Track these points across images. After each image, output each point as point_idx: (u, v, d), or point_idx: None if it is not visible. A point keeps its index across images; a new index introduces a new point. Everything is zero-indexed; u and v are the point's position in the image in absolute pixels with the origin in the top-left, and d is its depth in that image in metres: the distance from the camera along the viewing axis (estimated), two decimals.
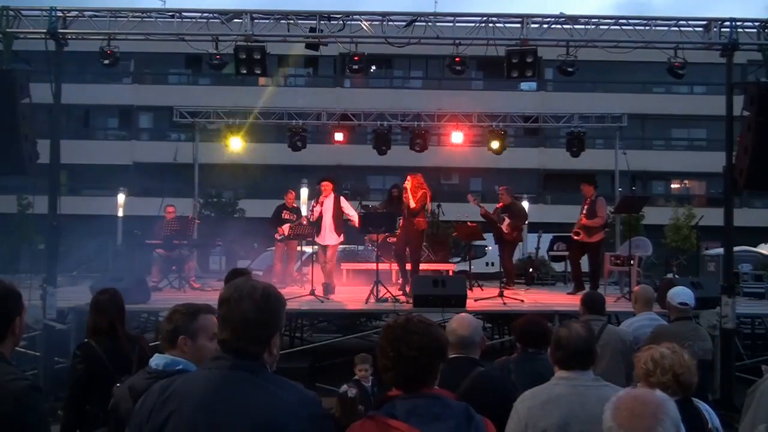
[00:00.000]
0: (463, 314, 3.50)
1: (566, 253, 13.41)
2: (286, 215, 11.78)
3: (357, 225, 10.13)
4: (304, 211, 12.38)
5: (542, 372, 3.81)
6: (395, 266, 10.97)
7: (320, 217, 9.84)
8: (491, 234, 12.04)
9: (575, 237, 10.63)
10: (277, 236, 11.77)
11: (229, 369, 1.90)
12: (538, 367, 3.91)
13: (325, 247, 10.04)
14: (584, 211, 10.45)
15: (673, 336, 4.24)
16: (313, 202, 10.07)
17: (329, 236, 9.96)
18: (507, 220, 11.23)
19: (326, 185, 9.94)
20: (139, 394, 2.23)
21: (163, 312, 4.11)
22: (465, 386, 2.99)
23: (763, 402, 2.06)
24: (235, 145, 14.85)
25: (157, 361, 2.75)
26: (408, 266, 10.05)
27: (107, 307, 4.03)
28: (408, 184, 9.81)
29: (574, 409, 2.72)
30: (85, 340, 4.01)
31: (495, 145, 14.20)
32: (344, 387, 2.60)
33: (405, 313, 8.38)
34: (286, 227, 11.58)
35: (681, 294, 5.13)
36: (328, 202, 9.88)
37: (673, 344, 2.96)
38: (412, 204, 9.66)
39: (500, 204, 11.61)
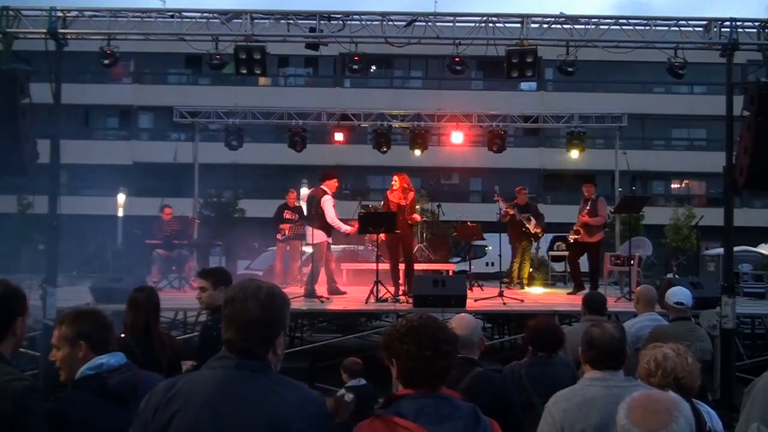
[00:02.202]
0: (463, 314, 3.49)
1: (566, 253, 13.41)
2: (287, 215, 11.77)
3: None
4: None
5: (554, 377, 3.76)
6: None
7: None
8: (495, 234, 12.03)
9: (575, 237, 10.66)
10: (279, 236, 11.77)
11: (234, 368, 1.91)
12: (550, 371, 3.87)
13: (329, 247, 9.85)
14: (587, 210, 10.49)
15: (671, 336, 4.24)
16: (328, 196, 9.72)
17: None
18: (533, 221, 11.34)
19: (335, 183, 9.77)
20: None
21: (165, 312, 4.15)
22: (463, 386, 2.97)
23: (758, 401, 2.07)
24: (235, 145, 14.81)
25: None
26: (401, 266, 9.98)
27: (144, 305, 4.11)
28: (396, 184, 9.67)
29: (611, 410, 2.68)
30: (122, 335, 4.07)
31: (496, 154, 14.20)
32: (342, 391, 2.61)
33: (405, 313, 8.40)
34: (287, 227, 11.58)
35: (678, 294, 5.13)
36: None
37: (678, 345, 2.95)
38: (404, 203, 9.57)
39: (516, 201, 11.64)
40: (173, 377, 2.09)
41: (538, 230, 11.42)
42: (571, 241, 10.83)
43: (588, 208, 10.52)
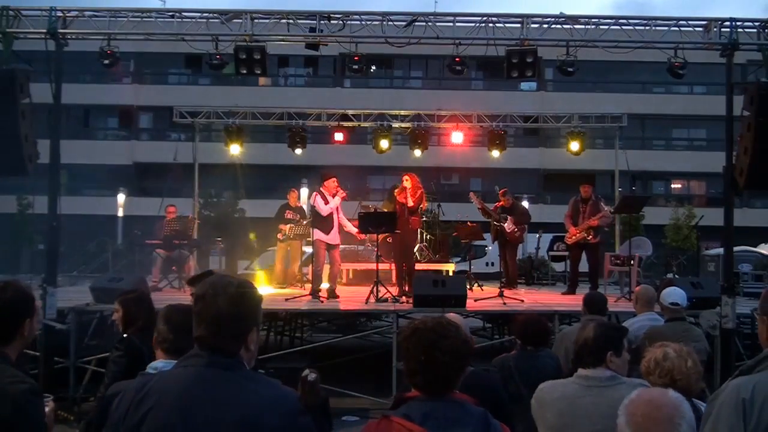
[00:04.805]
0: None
1: (566, 253, 13.39)
2: (289, 215, 11.78)
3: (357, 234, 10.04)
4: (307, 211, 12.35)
5: (542, 370, 3.95)
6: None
7: (330, 215, 9.56)
8: (490, 234, 12.06)
9: (588, 238, 10.52)
10: (279, 236, 11.77)
11: (205, 366, 1.88)
12: (538, 365, 4.06)
13: (333, 247, 9.74)
14: (598, 215, 10.43)
15: (666, 337, 4.25)
16: (317, 195, 9.71)
17: (336, 236, 9.72)
18: (509, 219, 11.28)
19: (335, 182, 9.69)
20: None
21: None
22: None
23: (723, 413, 2.03)
24: (235, 145, 14.83)
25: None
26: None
27: (138, 306, 4.15)
28: (408, 183, 9.77)
29: (587, 409, 2.80)
30: (124, 335, 4.09)
31: (496, 153, 14.17)
32: (306, 371, 2.65)
33: (404, 313, 8.39)
34: (287, 227, 11.58)
35: (672, 294, 5.14)
36: (336, 201, 9.63)
37: (682, 347, 2.98)
38: (411, 203, 9.64)
39: (500, 204, 11.62)
40: (146, 376, 2.07)
41: (510, 230, 11.33)
42: (586, 241, 10.65)
43: (589, 209, 10.50)
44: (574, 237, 10.65)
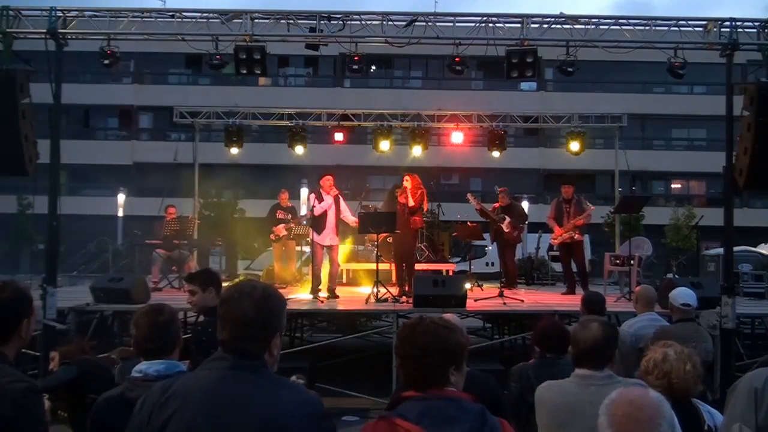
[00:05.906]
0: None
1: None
2: (280, 215, 11.77)
3: (356, 225, 10.08)
4: (303, 211, 12.35)
5: (562, 378, 3.84)
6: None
7: (324, 215, 9.64)
8: (489, 234, 12.09)
9: (574, 236, 10.67)
10: (272, 237, 11.75)
11: (230, 369, 1.89)
12: (558, 372, 3.89)
13: (329, 248, 9.81)
14: (581, 215, 10.58)
15: (676, 338, 4.25)
16: (314, 196, 9.80)
17: (333, 237, 9.78)
18: (507, 219, 11.29)
19: (330, 179, 9.77)
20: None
21: None
22: None
23: (738, 401, 2.11)
24: (235, 146, 14.82)
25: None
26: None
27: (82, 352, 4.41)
28: (408, 183, 9.80)
29: (584, 407, 2.78)
30: (77, 358, 4.25)
31: (496, 153, 14.19)
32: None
33: (405, 313, 8.41)
34: (281, 228, 11.58)
35: (684, 295, 5.12)
36: (328, 200, 9.68)
37: (683, 349, 2.98)
38: (411, 203, 9.67)
39: (498, 204, 11.64)
40: (170, 378, 2.08)
41: (508, 230, 11.34)
42: (569, 241, 10.79)
43: (573, 208, 10.64)
44: (559, 237, 10.77)
